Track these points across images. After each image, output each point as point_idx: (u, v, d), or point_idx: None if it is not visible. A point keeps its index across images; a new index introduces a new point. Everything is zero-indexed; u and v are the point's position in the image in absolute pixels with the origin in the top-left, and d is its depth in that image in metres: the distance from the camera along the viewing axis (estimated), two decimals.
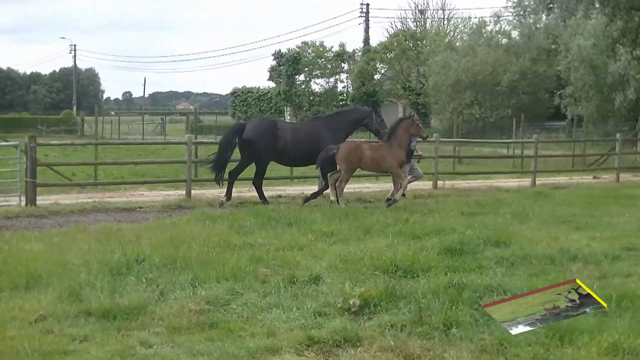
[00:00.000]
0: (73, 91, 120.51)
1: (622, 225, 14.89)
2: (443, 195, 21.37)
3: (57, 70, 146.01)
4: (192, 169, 21.95)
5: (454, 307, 8.15)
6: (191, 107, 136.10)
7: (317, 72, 79.57)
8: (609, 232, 14.05)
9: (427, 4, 78.77)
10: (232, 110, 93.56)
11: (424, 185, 23.69)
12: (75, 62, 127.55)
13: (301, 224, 14.49)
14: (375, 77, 73.88)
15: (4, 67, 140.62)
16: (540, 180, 26.22)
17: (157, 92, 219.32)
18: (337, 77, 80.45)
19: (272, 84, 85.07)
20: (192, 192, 20.37)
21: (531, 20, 55.57)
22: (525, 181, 26.36)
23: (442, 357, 7.07)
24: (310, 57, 78.33)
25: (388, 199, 18.32)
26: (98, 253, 11.12)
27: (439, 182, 24.13)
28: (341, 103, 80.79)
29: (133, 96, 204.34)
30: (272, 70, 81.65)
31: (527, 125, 44.15)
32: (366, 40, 78.42)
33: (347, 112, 20.97)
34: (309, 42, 79.69)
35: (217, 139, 43.66)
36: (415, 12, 78.25)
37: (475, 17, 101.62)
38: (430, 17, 77.99)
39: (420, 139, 19.15)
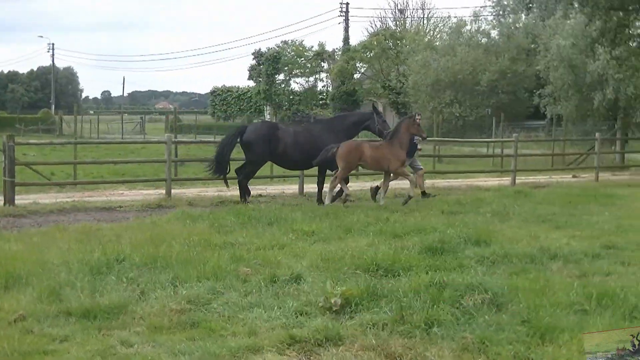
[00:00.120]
0: (51, 90, 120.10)
1: (601, 224, 14.95)
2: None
3: (35, 69, 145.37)
4: (172, 168, 21.90)
5: (435, 305, 8.15)
6: (170, 106, 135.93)
7: (297, 71, 79.65)
8: (589, 230, 14.11)
9: (407, 3, 79.11)
10: (212, 110, 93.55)
11: (404, 184, 23.69)
12: (53, 61, 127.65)
13: (282, 223, 14.47)
14: (355, 76, 73.90)
15: None
16: (520, 179, 26.30)
17: (136, 91, 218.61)
18: (317, 76, 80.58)
19: (251, 83, 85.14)
20: (172, 191, 20.30)
21: (510, 20, 55.83)
22: (505, 180, 26.43)
23: (424, 355, 7.07)
24: (290, 57, 78.36)
25: (407, 199, 18.38)
26: (78, 252, 11.06)
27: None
28: (321, 102, 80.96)
29: (112, 95, 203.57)
30: (251, 69, 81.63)
31: (507, 124, 44.32)
32: (346, 39, 78.41)
33: (348, 115, 21.01)
34: (289, 42, 79.73)
35: (196, 138, 43.67)
36: (395, 12, 78.42)
37: (455, 17, 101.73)
38: (410, 16, 78.19)
39: (420, 139, 19.31)
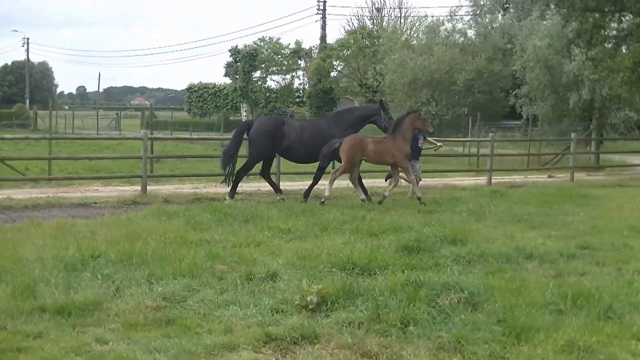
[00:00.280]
0: (26, 85, 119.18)
1: (576, 224, 15.04)
2: (400, 193, 21.40)
3: (10, 63, 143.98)
4: (148, 165, 21.79)
5: (411, 304, 8.16)
6: (146, 102, 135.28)
7: (274, 68, 79.45)
8: (564, 230, 14.19)
9: (384, 2, 79.13)
10: (188, 106, 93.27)
11: (381, 183, 23.71)
12: (28, 55, 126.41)
13: (258, 220, 14.46)
14: (331, 74, 73.86)
15: None
16: (496, 179, 26.40)
17: (111, 87, 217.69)
18: (294, 73, 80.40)
19: (228, 80, 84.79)
20: (148, 188, 20.24)
21: (487, 20, 55.99)
22: (481, 180, 26.52)
23: (400, 354, 7.07)
24: (267, 54, 78.16)
25: (418, 198, 18.44)
26: (52, 249, 11.00)
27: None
28: (297, 100, 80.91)
29: (87, 91, 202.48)
30: (228, 66, 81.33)
31: (483, 124, 44.42)
32: (323, 37, 78.34)
33: (354, 110, 21.02)
34: (266, 39, 79.54)
35: (172, 135, 43.56)
36: (372, 10, 78.57)
37: (432, 16, 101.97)
38: (387, 15, 78.33)
39: (422, 135, 19.54)
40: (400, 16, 76.88)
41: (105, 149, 39.15)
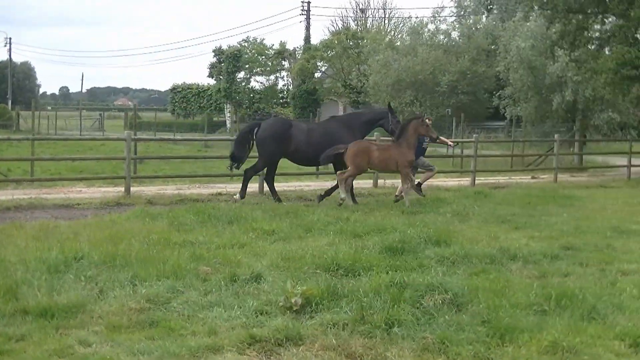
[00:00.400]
0: (8, 85, 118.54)
1: (560, 225, 15.08)
2: (384, 194, 21.44)
3: None
4: (132, 166, 21.72)
5: (395, 306, 8.16)
6: (130, 103, 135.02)
7: (258, 69, 79.41)
8: (548, 231, 14.24)
9: (368, 3, 79.35)
10: (172, 107, 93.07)
11: (365, 184, 23.74)
12: (10, 55, 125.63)
13: (242, 222, 14.43)
14: (315, 75, 73.94)
15: None
16: (480, 180, 26.45)
17: (95, 87, 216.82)
18: (278, 74, 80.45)
19: (212, 81, 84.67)
20: (132, 189, 20.16)
21: (471, 21, 56.11)
22: (465, 180, 26.58)
23: (384, 355, 7.08)
24: (251, 55, 78.12)
25: (422, 195, 18.90)
26: (35, 250, 10.93)
27: (380, 181, 24.20)
28: (281, 101, 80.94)
29: (70, 91, 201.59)
30: (212, 67, 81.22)
31: (467, 124, 44.54)
32: (307, 38, 78.41)
33: (362, 113, 21.09)
34: (250, 40, 79.49)
35: (156, 136, 43.46)
36: (356, 11, 78.72)
37: (417, 17, 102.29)
38: (371, 16, 78.49)
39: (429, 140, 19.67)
40: (384, 17, 77.12)
41: (89, 150, 38.99)
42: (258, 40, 79.25)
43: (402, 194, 18.62)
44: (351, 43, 66.76)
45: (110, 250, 10.81)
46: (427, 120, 18.74)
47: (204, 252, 11.16)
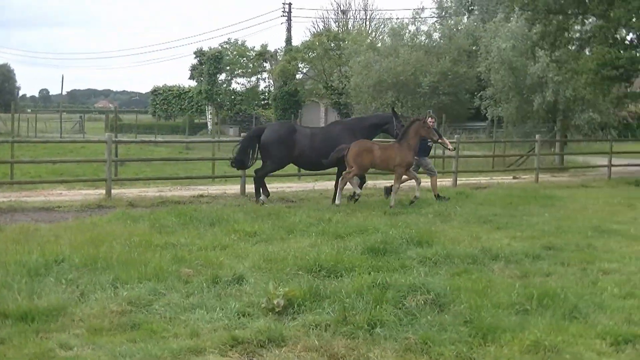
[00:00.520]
0: None
1: (541, 224, 15.13)
2: (365, 195, 21.42)
3: None
4: (113, 168, 21.63)
5: (378, 306, 8.17)
6: (110, 105, 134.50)
7: (239, 71, 79.34)
8: (529, 231, 14.28)
9: (349, 4, 79.33)
10: (153, 109, 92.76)
11: (346, 185, 23.72)
12: None
13: (224, 223, 14.41)
14: (297, 76, 73.91)
15: None
16: (462, 180, 26.51)
17: (75, 89, 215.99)
18: (259, 76, 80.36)
19: (193, 83, 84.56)
20: (113, 191, 20.06)
21: (452, 22, 56.21)
22: (447, 181, 26.60)
23: (367, 356, 7.08)
24: (232, 56, 78.04)
25: (437, 196, 19.05)
26: (15, 253, 10.85)
27: None
28: (263, 102, 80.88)
29: (50, 94, 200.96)
30: (193, 68, 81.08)
31: (448, 125, 44.59)
32: (288, 39, 78.35)
33: (368, 118, 21.07)
34: (231, 41, 79.40)
35: (137, 138, 43.24)
36: (338, 12, 78.71)
37: (398, 18, 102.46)
38: (353, 17, 78.52)
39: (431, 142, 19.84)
40: (366, 18, 77.18)
41: (69, 153, 38.82)
42: (239, 42, 79.23)
43: (392, 194, 18.65)
44: (332, 44, 66.76)
45: (91, 253, 10.76)
46: (430, 120, 18.91)
47: (185, 254, 11.13)
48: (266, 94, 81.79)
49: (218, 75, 78.17)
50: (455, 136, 28.40)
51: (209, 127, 76.18)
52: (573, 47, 31.82)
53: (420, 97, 51.23)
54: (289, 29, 79.31)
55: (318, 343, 7.27)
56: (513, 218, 16.19)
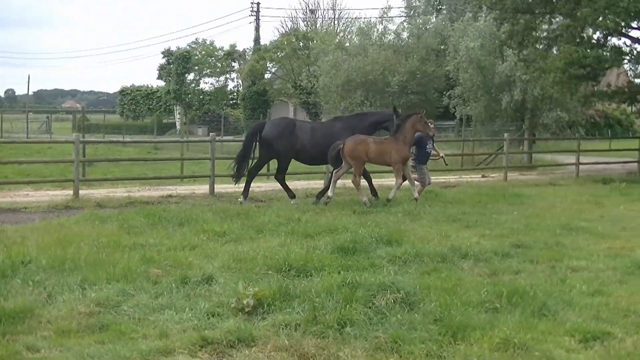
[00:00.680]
0: None
1: (510, 223, 15.20)
2: (335, 194, 21.42)
3: None
4: (80, 168, 21.47)
5: (347, 305, 8.17)
6: (78, 105, 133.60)
7: (208, 71, 79.18)
8: (498, 229, 14.34)
9: (318, 3, 79.35)
10: (120, 109, 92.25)
11: (316, 184, 23.75)
12: None
13: (193, 223, 14.36)
14: (265, 76, 73.87)
15: None
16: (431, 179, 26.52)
17: (42, 89, 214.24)
18: (228, 76, 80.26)
19: (161, 83, 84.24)
20: (80, 192, 19.91)
21: (420, 21, 56.32)
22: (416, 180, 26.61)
23: (337, 355, 7.07)
24: (201, 56, 77.86)
25: (415, 199, 18.64)
26: None
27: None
28: (231, 102, 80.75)
29: (16, 94, 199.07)
30: (161, 68, 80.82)
31: None
32: (257, 39, 78.26)
33: (369, 115, 21.06)
34: (199, 41, 79.21)
35: (105, 138, 42.95)
36: (306, 12, 78.68)
37: (366, 17, 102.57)
38: (321, 16, 78.52)
39: (432, 141, 19.81)
40: (334, 17, 77.22)
41: (36, 153, 38.57)
42: (207, 42, 79.10)
43: (394, 190, 18.70)
44: (301, 44, 66.76)
45: (58, 254, 10.67)
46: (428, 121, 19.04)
47: (154, 255, 11.07)
48: (235, 94, 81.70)
49: (186, 75, 78.03)
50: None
51: (178, 127, 75.98)
52: (541, 46, 31.98)
53: (389, 96, 51.25)
54: (257, 29, 79.26)
55: (288, 343, 7.26)
56: (482, 216, 16.25)
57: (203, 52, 77.98)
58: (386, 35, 54.46)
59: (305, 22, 77.85)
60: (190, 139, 49.28)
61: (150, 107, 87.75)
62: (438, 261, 11.07)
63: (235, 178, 19.59)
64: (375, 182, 20.34)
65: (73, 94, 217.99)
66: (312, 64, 62.36)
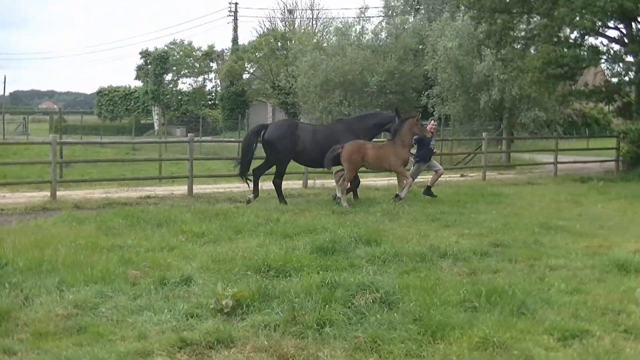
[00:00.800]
0: None
1: (489, 222, 15.23)
2: (314, 194, 21.45)
3: None
4: (58, 170, 21.36)
5: (327, 306, 8.15)
6: (55, 106, 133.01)
7: (186, 71, 79.04)
8: (477, 229, 14.36)
9: (296, 3, 79.30)
10: (98, 110, 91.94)
11: (294, 184, 23.75)
12: None
13: (171, 224, 14.30)
14: (244, 76, 73.82)
15: None
16: None
17: (18, 90, 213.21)
18: (206, 76, 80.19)
19: (139, 83, 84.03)
20: (58, 193, 19.82)
21: (398, 21, 56.38)
22: (395, 180, 26.58)
23: (316, 356, 7.06)
24: (179, 56, 77.70)
25: (396, 195, 18.72)
26: None
27: (309, 181, 24.21)
28: (210, 102, 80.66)
29: None
30: (139, 69, 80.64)
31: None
32: (235, 39, 78.26)
33: (369, 116, 20.98)
34: (177, 41, 79.06)
35: (82, 139, 42.66)
36: (284, 12, 78.68)
37: (344, 17, 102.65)
38: (299, 16, 78.54)
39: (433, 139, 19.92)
40: (312, 18, 77.25)
41: (12, 155, 38.32)
42: (185, 42, 78.95)
43: (402, 190, 18.76)
44: (279, 44, 66.77)
45: (36, 256, 10.60)
46: (432, 122, 19.24)
47: (132, 256, 11.01)
48: (213, 94, 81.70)
49: (164, 76, 77.93)
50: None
51: (156, 127, 75.86)
52: (518, 46, 32.15)
53: (367, 96, 51.31)
54: (235, 29, 79.30)
55: (267, 343, 7.24)
56: (461, 216, 16.29)
57: (181, 53, 77.84)
58: (364, 35, 54.54)
59: (284, 22, 77.90)
60: (169, 140, 49.24)
61: (128, 107, 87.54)
62: (417, 261, 11.06)
63: (240, 177, 19.65)
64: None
65: (50, 95, 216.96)
66: (290, 64, 62.38)
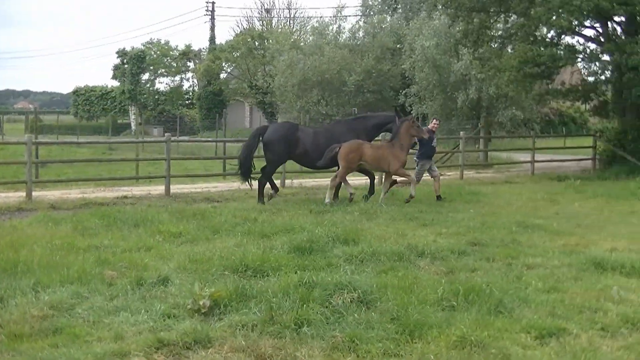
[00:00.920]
0: None
1: (466, 221, 15.26)
2: (291, 194, 21.43)
3: None
4: (33, 170, 21.23)
5: (304, 305, 8.13)
6: (30, 106, 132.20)
7: (163, 70, 78.85)
8: (455, 227, 14.39)
9: (273, 3, 79.24)
10: (74, 110, 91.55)
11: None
12: None
13: (148, 224, 14.26)
14: (221, 75, 73.71)
15: None
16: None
17: None
18: (183, 75, 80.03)
19: (116, 83, 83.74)
20: (33, 193, 19.70)
21: (376, 20, 56.45)
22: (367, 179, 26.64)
23: (294, 356, 7.04)
24: (155, 56, 77.49)
25: (410, 196, 18.70)
26: None
27: (287, 181, 24.21)
28: (187, 102, 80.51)
29: None
30: (115, 68, 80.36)
31: None
32: (212, 38, 78.15)
33: (372, 117, 20.92)
34: (154, 41, 78.84)
35: (58, 139, 42.43)
36: (262, 11, 78.53)
37: (321, 17, 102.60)
38: (277, 16, 78.42)
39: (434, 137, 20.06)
40: (290, 17, 77.15)
41: None
42: (162, 42, 78.76)
43: (411, 187, 18.88)
44: (257, 43, 66.71)
45: (11, 257, 10.53)
46: (434, 122, 19.24)
47: (109, 256, 10.97)
48: (190, 94, 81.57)
49: (141, 75, 77.77)
50: (380, 134, 28.50)
51: (133, 127, 75.67)
52: (495, 45, 32.21)
53: (345, 95, 51.38)
54: (212, 28, 79.13)
55: (245, 343, 7.22)
56: (439, 215, 16.31)
57: (158, 52, 77.69)
58: (341, 34, 54.58)
59: (261, 22, 77.75)
60: (146, 140, 49.06)
61: (105, 107, 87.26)
62: (395, 260, 11.06)
63: (244, 178, 19.60)
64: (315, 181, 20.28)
65: (25, 94, 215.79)
66: (267, 63, 62.33)
